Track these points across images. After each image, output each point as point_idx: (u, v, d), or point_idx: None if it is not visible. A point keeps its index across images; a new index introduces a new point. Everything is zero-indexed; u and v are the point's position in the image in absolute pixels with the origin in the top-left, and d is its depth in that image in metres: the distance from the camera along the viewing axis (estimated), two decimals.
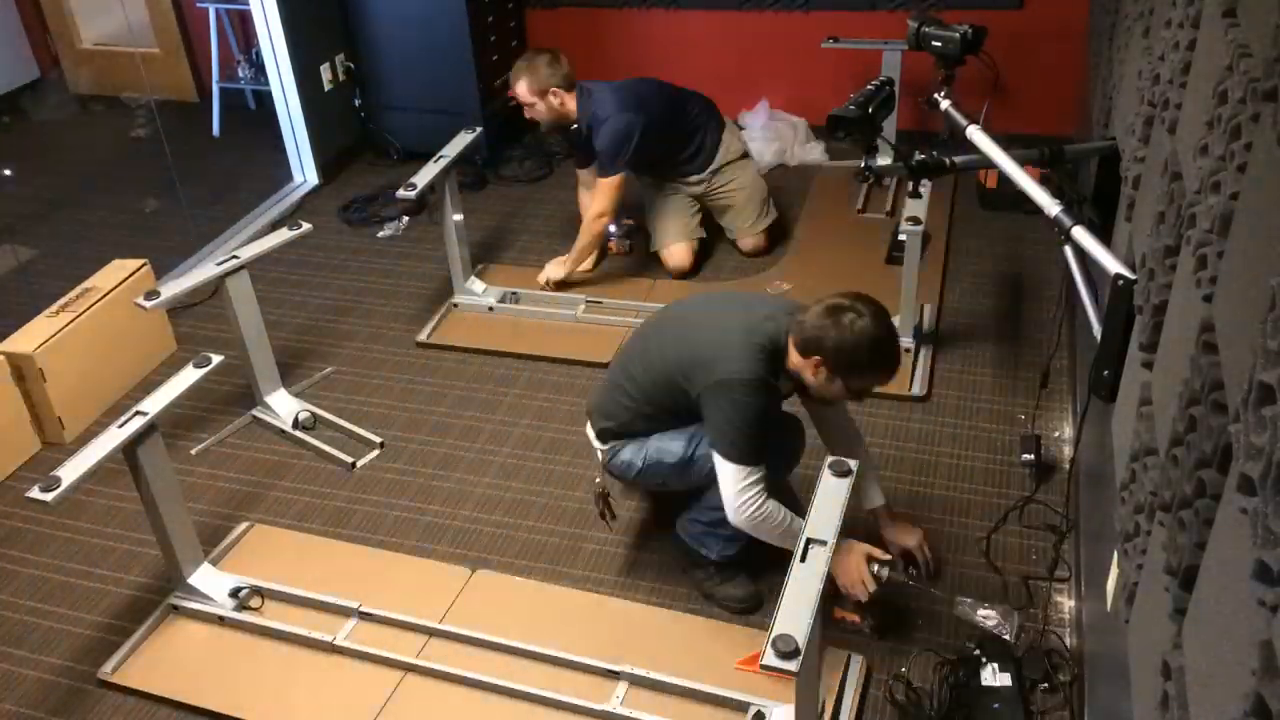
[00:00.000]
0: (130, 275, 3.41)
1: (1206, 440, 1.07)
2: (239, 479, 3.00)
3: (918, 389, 3.12)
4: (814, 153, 4.57)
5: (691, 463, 2.32)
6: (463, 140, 3.57)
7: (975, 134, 2.44)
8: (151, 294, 2.77)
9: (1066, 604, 2.41)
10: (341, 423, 3.15)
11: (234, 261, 2.91)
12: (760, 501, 2.18)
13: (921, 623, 2.39)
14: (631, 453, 2.40)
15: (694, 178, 3.81)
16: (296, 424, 3.13)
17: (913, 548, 2.45)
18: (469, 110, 4.50)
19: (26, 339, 3.11)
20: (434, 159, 3.44)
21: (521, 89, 3.55)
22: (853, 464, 1.98)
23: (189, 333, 3.66)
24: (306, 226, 3.07)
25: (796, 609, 1.67)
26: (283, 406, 3.18)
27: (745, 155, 3.92)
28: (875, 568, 2.19)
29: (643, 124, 3.52)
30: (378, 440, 3.07)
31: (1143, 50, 2.12)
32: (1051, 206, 2.08)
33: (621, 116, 3.51)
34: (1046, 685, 2.18)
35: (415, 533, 2.77)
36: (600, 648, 2.34)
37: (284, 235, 3.03)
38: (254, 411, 3.21)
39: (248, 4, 4.39)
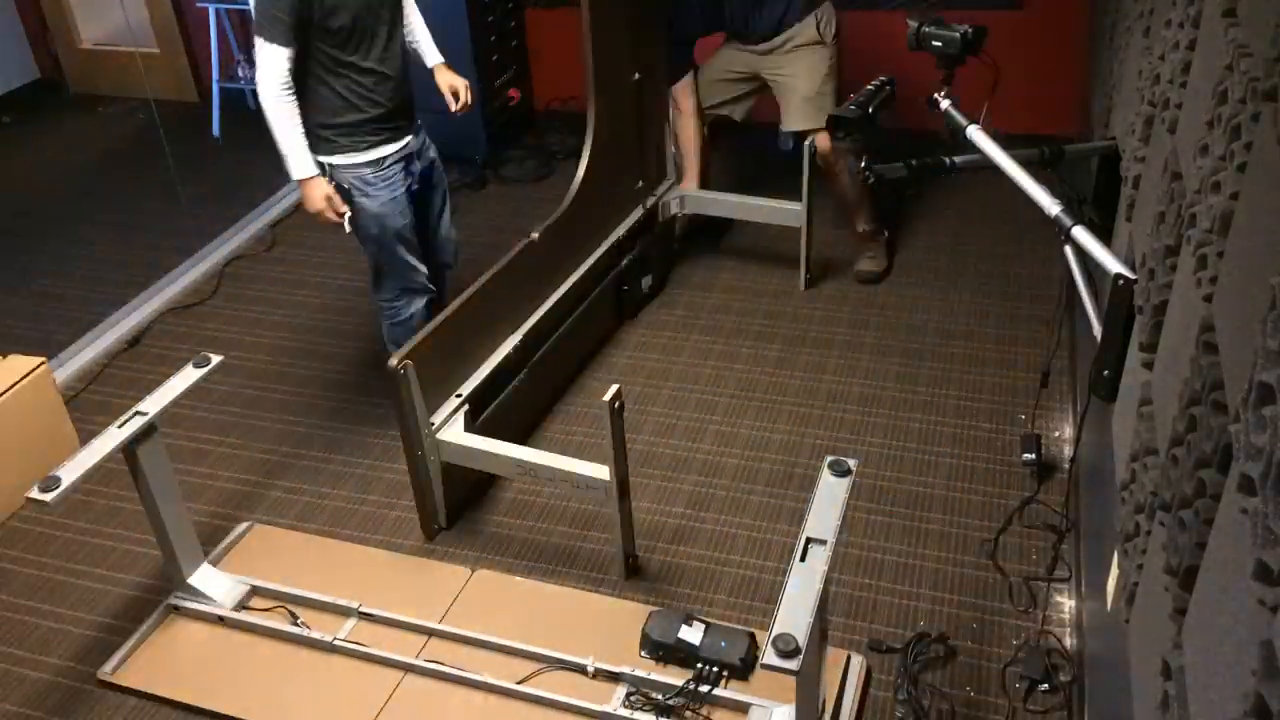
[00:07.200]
0: (23, 377, 2.89)
1: (1206, 440, 1.07)
2: (239, 479, 3.00)
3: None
4: None
5: None
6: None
7: (975, 134, 2.43)
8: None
9: (1066, 604, 2.41)
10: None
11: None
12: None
13: (923, 624, 2.40)
14: None
15: (758, 44, 3.53)
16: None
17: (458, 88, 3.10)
18: (469, 110, 4.48)
19: None
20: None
21: None
22: (852, 463, 1.97)
23: (189, 332, 3.66)
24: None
25: (797, 609, 1.67)
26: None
27: (820, 43, 3.48)
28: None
29: None
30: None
31: (1143, 50, 2.13)
32: (1052, 206, 2.08)
33: None
34: (1046, 685, 2.18)
35: (415, 533, 2.76)
36: (600, 648, 2.33)
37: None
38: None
39: (248, 4, 4.36)
